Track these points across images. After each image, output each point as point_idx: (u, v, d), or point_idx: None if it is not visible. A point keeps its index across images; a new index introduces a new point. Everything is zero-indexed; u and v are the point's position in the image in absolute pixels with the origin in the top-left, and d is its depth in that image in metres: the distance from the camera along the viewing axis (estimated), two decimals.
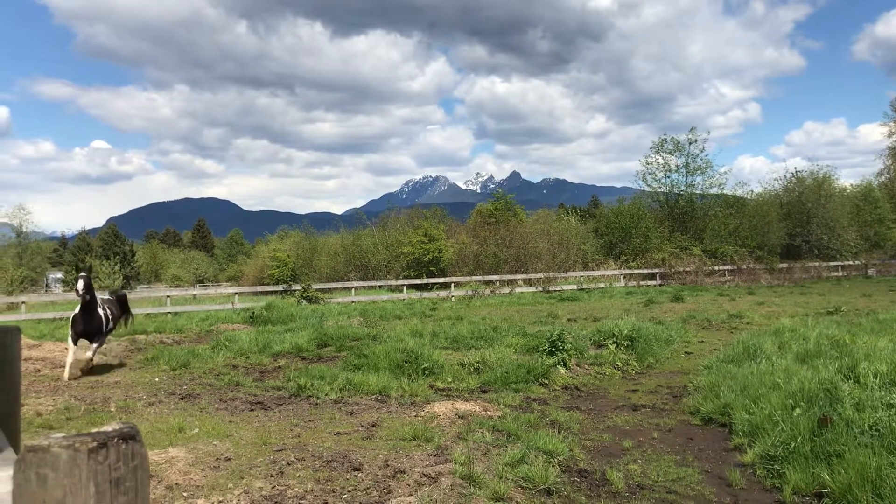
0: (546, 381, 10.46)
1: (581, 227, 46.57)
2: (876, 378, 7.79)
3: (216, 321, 20.00)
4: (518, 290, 34.37)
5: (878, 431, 6.10)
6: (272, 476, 5.77)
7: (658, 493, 5.86)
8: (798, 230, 46.98)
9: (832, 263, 44.35)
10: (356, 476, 5.77)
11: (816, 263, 43.83)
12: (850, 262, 45.07)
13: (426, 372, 10.66)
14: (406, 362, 11.08)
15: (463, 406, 8.69)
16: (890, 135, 76.91)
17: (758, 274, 41.13)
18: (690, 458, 6.92)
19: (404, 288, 33.58)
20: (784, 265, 42.71)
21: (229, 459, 6.25)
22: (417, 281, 35.24)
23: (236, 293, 30.32)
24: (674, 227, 47.19)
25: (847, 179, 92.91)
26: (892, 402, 6.76)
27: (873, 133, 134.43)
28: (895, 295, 26.58)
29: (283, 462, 6.14)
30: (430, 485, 5.57)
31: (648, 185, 50.26)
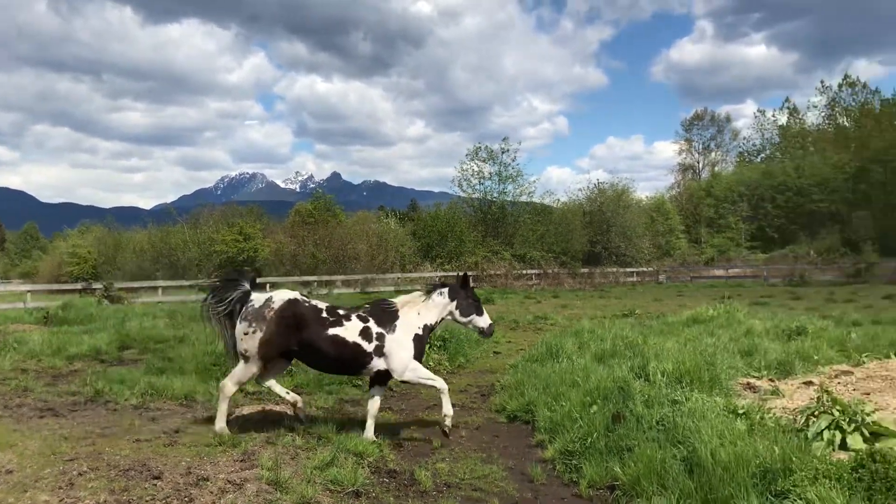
0: (360, 383, 10.47)
1: (400, 230, 47.15)
2: (663, 376, 8.45)
3: (4, 321, 18.29)
4: (336, 291, 34.24)
5: (663, 426, 6.63)
6: (61, 488, 5.35)
7: (464, 491, 6.04)
8: (599, 238, 50.15)
9: (628, 269, 47.78)
10: (155, 485, 5.48)
11: (614, 269, 47.04)
12: (644, 269, 48.75)
13: None
14: (215, 365, 10.68)
15: (273, 409, 8.52)
16: (680, 152, 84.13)
17: (562, 278, 43.48)
18: (496, 456, 7.19)
19: None
20: (586, 270, 45.47)
21: (11, 472, 5.73)
22: None
23: (29, 291, 28.10)
24: (486, 232, 48.88)
25: (643, 192, 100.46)
26: (675, 398, 7.38)
27: (667, 150, 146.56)
28: (682, 300, 29.03)
29: (75, 472, 5.72)
30: (234, 492, 5.41)
31: (464, 191, 51.82)
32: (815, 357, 10.34)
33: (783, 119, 75.78)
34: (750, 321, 14.02)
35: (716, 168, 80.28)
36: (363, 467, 6.36)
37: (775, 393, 8.32)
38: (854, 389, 8.12)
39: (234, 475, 5.78)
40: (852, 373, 9.17)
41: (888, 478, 4.52)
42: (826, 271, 43.21)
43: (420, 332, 7.77)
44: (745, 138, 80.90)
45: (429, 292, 8.07)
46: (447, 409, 7.53)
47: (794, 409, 6.97)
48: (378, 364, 7.47)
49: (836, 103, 71.15)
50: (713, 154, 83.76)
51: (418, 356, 7.72)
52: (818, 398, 6.30)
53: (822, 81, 77.44)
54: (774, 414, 6.83)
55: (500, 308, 24.91)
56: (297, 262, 39.86)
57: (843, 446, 5.73)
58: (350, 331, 7.42)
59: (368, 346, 7.42)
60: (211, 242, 42.57)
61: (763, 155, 76.40)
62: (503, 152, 50.99)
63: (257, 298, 7.48)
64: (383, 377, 7.66)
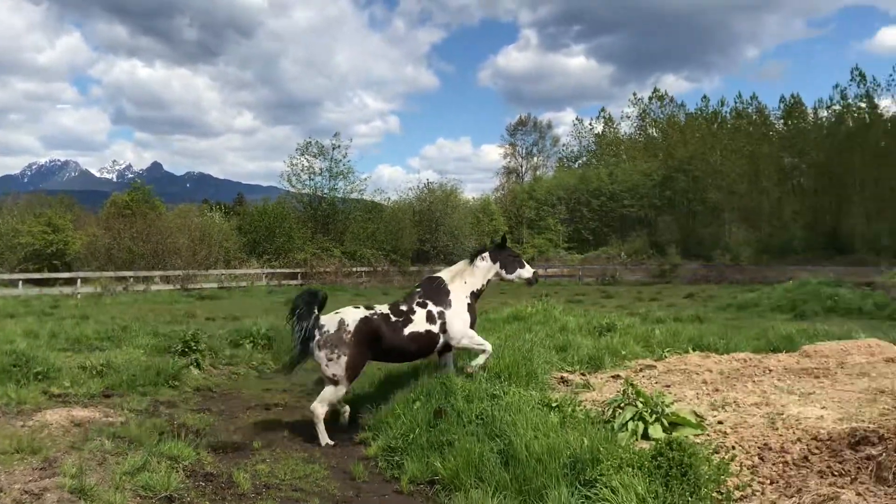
0: (177, 384, 10.02)
1: (225, 225, 45.62)
2: (483, 371, 8.71)
3: None
4: (154, 287, 32.59)
5: (482, 420, 6.82)
6: None
7: (284, 492, 5.93)
8: (427, 236, 51.03)
9: None
10: None
11: (443, 268, 48.07)
12: None
13: (39, 377, 9.55)
14: (14, 366, 9.81)
15: (81, 413, 7.96)
16: (505, 156, 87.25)
17: (391, 276, 43.82)
18: (318, 455, 7.12)
19: (20, 283, 29.97)
20: (415, 268, 46.08)
21: None
22: (37, 275, 31.79)
23: None
24: (316, 228, 48.40)
25: (470, 193, 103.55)
26: (494, 392, 7.61)
27: (493, 153, 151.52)
28: (505, 297, 29.97)
29: None
30: (32, 502, 5.01)
31: (293, 186, 51.02)
32: (623, 352, 11.01)
33: (599, 128, 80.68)
34: (565, 318, 14.67)
35: (537, 172, 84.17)
36: (178, 471, 6.07)
37: (586, 387, 8.79)
38: (656, 382, 8.73)
39: (31, 485, 5.34)
40: (655, 367, 9.85)
41: (683, 464, 4.89)
42: (635, 272, 46.34)
43: (470, 300, 8.52)
44: (564, 145, 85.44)
45: (472, 260, 8.77)
46: (481, 361, 8.36)
47: (602, 402, 7.39)
48: (444, 339, 8.23)
49: (646, 115, 76.67)
50: (535, 158, 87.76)
51: (472, 323, 8.47)
52: (624, 391, 6.72)
53: (634, 94, 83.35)
54: (585, 407, 7.22)
55: (328, 306, 24.63)
56: (111, 256, 37.50)
57: (646, 436, 6.14)
58: (419, 323, 8.05)
59: (435, 328, 8.13)
60: (15, 234, 39.23)
61: (580, 161, 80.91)
62: (334, 148, 50.79)
63: (329, 322, 7.77)
64: (448, 347, 8.40)
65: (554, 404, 7.04)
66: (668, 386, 8.40)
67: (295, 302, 7.98)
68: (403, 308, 8.15)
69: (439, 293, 8.38)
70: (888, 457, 4.18)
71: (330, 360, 7.58)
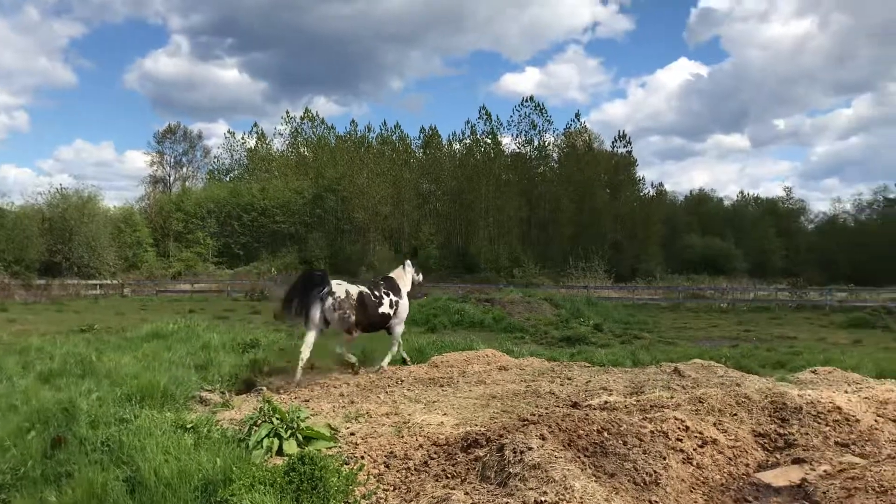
0: None
1: None
2: (114, 393, 8.14)
3: None
4: None
5: (109, 447, 6.36)
6: None
7: None
8: (60, 247, 46.33)
9: (91, 282, 44.99)
10: None
11: (76, 281, 43.89)
12: (109, 281, 46.44)
13: None
14: None
15: None
16: (152, 164, 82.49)
17: (13, 290, 38.87)
18: None
19: None
20: (42, 282, 41.46)
21: None
22: None
23: None
24: None
25: (111, 201, 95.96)
26: (124, 416, 7.16)
27: (138, 160, 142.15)
28: (146, 314, 28.37)
29: None
30: None
31: None
32: (266, 368, 11.07)
33: (252, 143, 79.97)
34: (208, 335, 14.32)
35: (186, 183, 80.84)
36: None
37: (226, 405, 8.66)
38: (296, 397, 8.91)
39: None
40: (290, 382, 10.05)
41: (314, 477, 5.04)
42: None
43: (406, 297, 11.53)
44: (216, 157, 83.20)
45: (403, 266, 11.92)
46: (394, 354, 11.33)
47: (240, 420, 7.33)
48: (392, 320, 11.09)
49: (298, 133, 77.85)
50: (185, 169, 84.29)
51: (406, 311, 11.57)
52: (260, 408, 6.74)
53: (287, 112, 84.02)
54: (222, 426, 7.10)
55: None
56: None
57: (281, 452, 6.22)
58: (385, 307, 10.90)
59: (391, 311, 11.01)
60: None
61: (232, 174, 79.40)
62: None
63: (340, 290, 10.40)
64: (392, 326, 11.17)
65: (189, 425, 6.81)
66: (307, 400, 8.61)
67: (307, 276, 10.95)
68: (377, 294, 10.96)
69: (395, 287, 11.36)
70: (491, 457, 4.74)
71: (345, 315, 10.33)
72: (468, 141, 72.14)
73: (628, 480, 4.54)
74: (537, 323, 24.55)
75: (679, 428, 5.44)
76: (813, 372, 9.99)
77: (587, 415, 5.48)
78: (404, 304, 11.36)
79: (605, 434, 5.10)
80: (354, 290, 10.57)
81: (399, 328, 11.30)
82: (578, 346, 17.31)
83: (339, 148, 71.59)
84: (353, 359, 10.87)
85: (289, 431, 6.37)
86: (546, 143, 72.95)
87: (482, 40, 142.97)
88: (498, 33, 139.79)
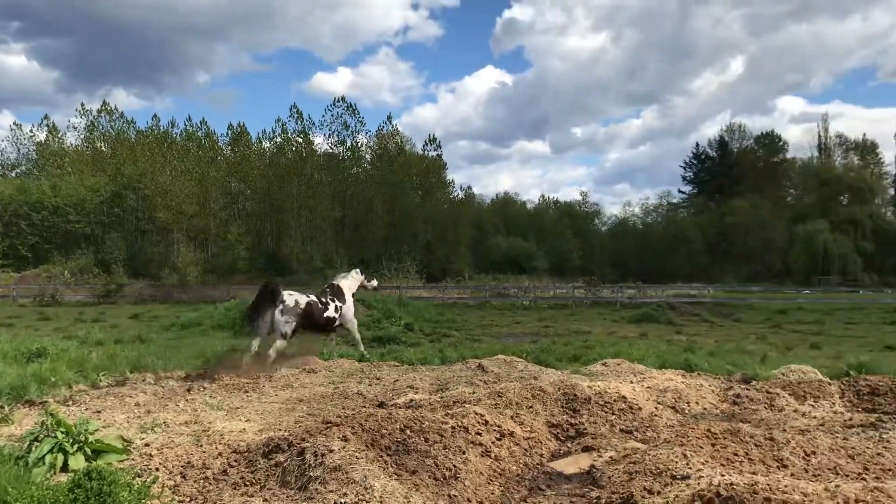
0: None
1: None
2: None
3: None
4: None
5: None
6: None
7: None
8: None
9: None
10: None
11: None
12: None
13: None
14: None
15: None
16: None
17: None
18: None
19: None
20: None
21: None
22: None
23: None
24: None
25: None
26: None
27: None
28: None
29: None
30: None
31: None
32: (53, 379, 10.21)
33: (42, 136, 73.52)
34: None
35: None
36: None
37: (5, 420, 7.92)
38: (87, 409, 8.31)
39: None
40: (87, 392, 9.38)
41: (102, 493, 4.72)
42: (78, 291, 43.38)
43: (352, 299, 13.45)
44: (1, 150, 75.75)
45: (351, 273, 13.90)
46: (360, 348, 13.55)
47: (20, 436, 6.73)
48: (336, 322, 12.90)
49: (94, 127, 72.65)
50: None
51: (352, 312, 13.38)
52: (43, 422, 6.22)
53: (82, 104, 77.82)
54: None
55: None
56: None
57: (66, 468, 5.78)
58: (329, 310, 12.62)
59: (336, 315, 12.78)
60: None
61: (19, 170, 72.68)
62: None
63: (290, 298, 12.01)
64: (338, 328, 13.14)
65: None
66: (99, 412, 8.07)
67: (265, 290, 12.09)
68: (323, 300, 12.68)
69: (339, 294, 13.15)
70: (292, 461, 4.67)
71: (287, 322, 11.78)
72: (279, 140, 70.70)
73: (429, 476, 4.64)
74: None
75: (479, 422, 5.64)
76: (604, 364, 10.74)
77: (391, 414, 5.54)
78: (349, 307, 13.30)
79: (408, 432, 5.18)
80: (304, 300, 12.22)
81: (352, 325, 13.47)
82: (389, 346, 17.45)
83: (139, 143, 67.45)
84: (272, 358, 11.68)
85: (76, 445, 5.92)
86: (359, 144, 73.13)
87: (293, 38, 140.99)
88: (309, 32, 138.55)
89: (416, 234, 65.94)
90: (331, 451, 4.46)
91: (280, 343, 11.73)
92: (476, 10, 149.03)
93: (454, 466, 4.80)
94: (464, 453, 5.03)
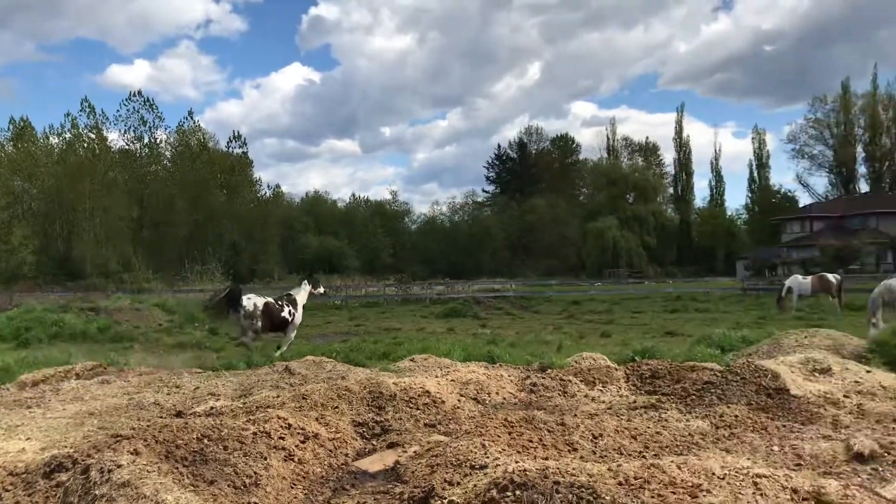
0: None
1: None
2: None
3: None
4: None
5: None
6: None
7: None
8: None
9: None
10: None
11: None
12: None
13: None
14: None
15: None
16: None
17: None
18: None
19: None
20: None
21: None
22: None
23: None
24: None
25: None
26: None
27: None
28: None
29: None
30: None
31: None
32: None
33: None
34: None
35: None
36: None
37: None
38: None
39: None
40: None
41: None
42: None
43: (301, 308, 15.64)
44: None
45: (301, 285, 15.96)
46: (284, 347, 14.94)
47: None
48: (289, 325, 15.23)
49: None
50: None
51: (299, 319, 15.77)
52: None
53: None
54: None
55: None
56: None
57: None
58: (285, 313, 15.02)
59: (289, 317, 15.15)
60: None
61: None
62: None
63: (248, 303, 14.43)
64: (288, 329, 15.27)
65: None
66: None
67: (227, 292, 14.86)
68: (279, 304, 14.89)
69: (292, 301, 15.21)
70: (75, 480, 4.33)
71: (252, 321, 14.42)
72: (69, 135, 65.57)
73: (228, 485, 4.49)
74: (147, 330, 23.19)
75: (282, 426, 5.53)
76: (412, 360, 10.91)
77: (187, 423, 5.30)
78: (298, 314, 15.51)
79: (206, 441, 4.98)
80: (261, 301, 14.67)
81: (293, 332, 15.52)
82: (192, 352, 16.74)
83: None
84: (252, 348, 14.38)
85: None
86: (157, 141, 69.50)
87: (84, 27, 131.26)
88: (103, 21, 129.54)
89: (221, 233, 63.68)
90: (119, 466, 4.18)
91: (250, 339, 14.66)
92: (281, 5, 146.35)
93: (255, 473, 4.67)
94: (265, 459, 4.91)
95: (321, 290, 17.09)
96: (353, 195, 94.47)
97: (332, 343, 16.86)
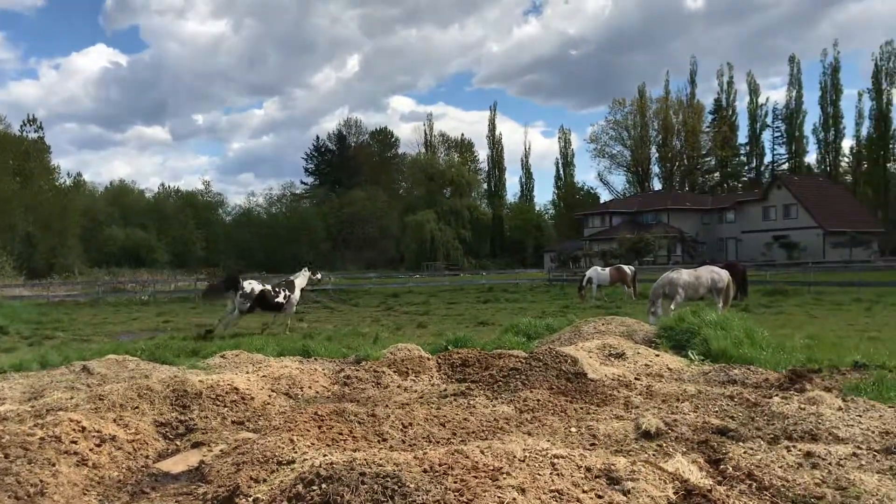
0: None
1: None
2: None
3: None
4: None
5: None
6: None
7: None
8: None
9: None
10: None
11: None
12: None
13: None
14: None
15: None
16: None
17: None
18: None
19: None
20: None
21: None
22: None
23: None
24: None
25: None
26: None
27: None
28: None
29: None
30: None
31: None
32: None
33: None
34: None
35: None
36: None
37: None
38: None
39: None
40: None
41: None
42: None
43: (300, 292, 18.64)
44: None
45: (301, 271, 19.03)
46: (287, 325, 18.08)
47: None
48: (284, 306, 17.79)
49: None
50: None
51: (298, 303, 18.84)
52: None
53: None
54: None
55: None
56: None
57: None
58: (279, 297, 17.49)
59: (284, 300, 17.64)
60: None
61: None
62: None
63: (248, 286, 16.96)
64: (285, 308, 17.89)
65: None
66: None
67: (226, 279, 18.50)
68: (276, 290, 17.67)
69: (289, 286, 18.11)
70: None
71: (245, 303, 17.02)
72: None
73: (9, 496, 4.13)
74: None
75: (74, 430, 5.17)
76: (222, 356, 10.57)
77: None
78: (294, 297, 18.08)
79: None
80: (258, 287, 17.23)
81: (291, 310, 18.22)
82: None
83: None
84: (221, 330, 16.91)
85: None
86: None
87: None
88: None
89: (13, 224, 58.23)
90: None
91: (235, 317, 17.17)
92: None
93: (41, 481, 4.33)
94: (54, 465, 4.57)
95: (319, 276, 20.70)
96: (163, 185, 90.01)
97: (137, 341, 15.96)
